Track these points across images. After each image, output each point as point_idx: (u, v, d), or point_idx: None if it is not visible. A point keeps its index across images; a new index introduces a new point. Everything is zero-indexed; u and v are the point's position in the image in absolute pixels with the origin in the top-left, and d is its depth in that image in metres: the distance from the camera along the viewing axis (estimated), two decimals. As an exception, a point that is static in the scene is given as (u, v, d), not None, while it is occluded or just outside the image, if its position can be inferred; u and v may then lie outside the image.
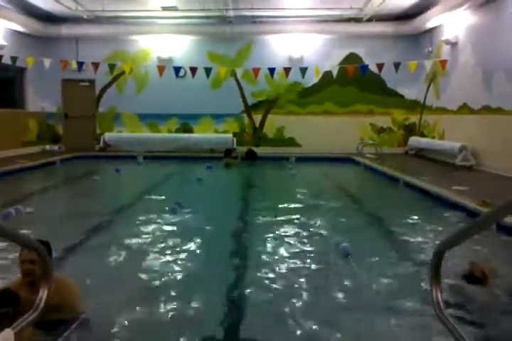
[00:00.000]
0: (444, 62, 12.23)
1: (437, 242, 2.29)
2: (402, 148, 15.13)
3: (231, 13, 13.67)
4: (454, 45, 12.24)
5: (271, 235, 5.60)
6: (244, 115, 15.53)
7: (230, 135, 15.13)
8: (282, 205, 7.37)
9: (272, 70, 13.03)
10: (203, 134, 15.38)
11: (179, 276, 4.24)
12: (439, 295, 2.24)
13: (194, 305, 3.60)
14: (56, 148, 15.09)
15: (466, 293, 3.73)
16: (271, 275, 4.25)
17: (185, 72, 13.82)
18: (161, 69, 13.28)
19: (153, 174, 11.40)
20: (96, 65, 13.04)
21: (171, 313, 3.46)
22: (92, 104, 15.64)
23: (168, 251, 4.92)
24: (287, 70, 13.16)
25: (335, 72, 13.13)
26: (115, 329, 3.20)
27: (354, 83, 14.87)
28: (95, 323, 3.19)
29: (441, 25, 12.97)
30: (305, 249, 5.10)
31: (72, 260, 4.64)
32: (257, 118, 15.55)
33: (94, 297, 3.57)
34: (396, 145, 15.41)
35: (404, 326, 3.31)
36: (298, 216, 6.59)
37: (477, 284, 3.79)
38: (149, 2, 12.61)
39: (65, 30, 14.62)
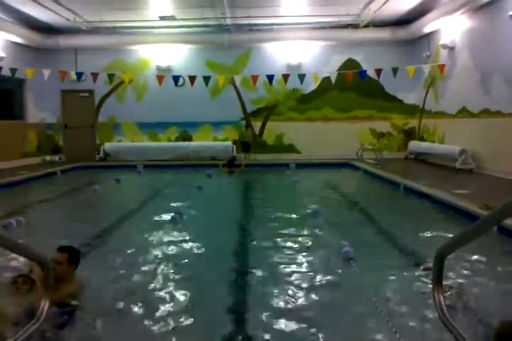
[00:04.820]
0: (442, 67, 12.26)
1: (438, 246, 2.27)
2: (402, 153, 15.13)
3: (229, 22, 13.76)
4: (451, 49, 12.29)
5: (272, 243, 5.58)
6: (244, 122, 15.56)
7: (230, 142, 15.14)
8: (284, 212, 7.35)
9: (270, 77, 13.08)
10: (202, 142, 15.40)
11: (177, 287, 4.18)
12: (442, 298, 2.24)
13: (194, 322, 3.48)
14: (56, 158, 15.12)
15: None
16: (272, 286, 4.18)
17: (184, 80, 13.87)
18: (159, 78, 13.34)
19: (154, 183, 11.40)
20: (95, 76, 13.08)
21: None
22: (91, 114, 15.69)
23: (167, 262, 4.88)
24: (286, 77, 13.21)
25: (333, 78, 13.17)
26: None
27: (353, 89, 14.91)
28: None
29: (439, 29, 13.03)
30: (307, 255, 5.08)
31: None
32: (257, 125, 15.58)
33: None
34: (396, 149, 15.42)
35: (407, 330, 3.28)
36: (299, 222, 6.60)
37: None
38: (147, 12, 12.69)
39: (63, 41, 14.71)
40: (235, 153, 14.67)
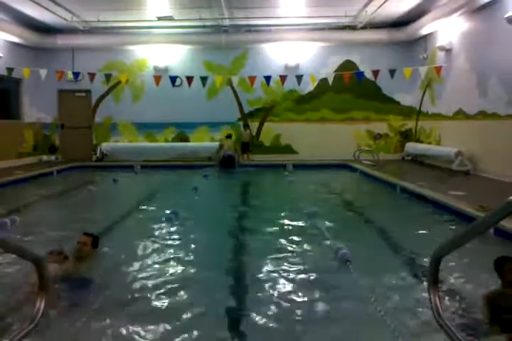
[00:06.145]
0: (438, 69, 12.29)
1: (434, 247, 2.27)
2: (398, 154, 15.16)
3: (226, 22, 13.77)
4: (448, 51, 12.32)
5: (268, 243, 5.57)
6: (241, 123, 15.55)
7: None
8: (280, 212, 7.34)
9: (267, 78, 13.09)
10: (199, 143, 15.38)
11: (172, 290, 4.13)
12: (438, 300, 2.23)
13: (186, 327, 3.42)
14: (53, 158, 15.07)
15: None
16: (268, 288, 4.16)
17: (182, 81, 13.88)
18: (157, 78, 13.32)
19: (150, 183, 11.39)
20: (92, 76, 13.06)
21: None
22: (88, 114, 15.65)
23: (163, 262, 4.88)
24: (283, 78, 13.23)
25: (331, 80, 13.20)
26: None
27: (350, 90, 14.93)
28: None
29: (436, 31, 13.06)
30: (303, 256, 5.08)
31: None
32: (254, 126, 15.57)
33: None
34: (393, 151, 15.45)
35: (404, 331, 3.28)
36: (295, 222, 6.58)
37: None
38: (145, 12, 12.68)
39: (60, 41, 14.67)
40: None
